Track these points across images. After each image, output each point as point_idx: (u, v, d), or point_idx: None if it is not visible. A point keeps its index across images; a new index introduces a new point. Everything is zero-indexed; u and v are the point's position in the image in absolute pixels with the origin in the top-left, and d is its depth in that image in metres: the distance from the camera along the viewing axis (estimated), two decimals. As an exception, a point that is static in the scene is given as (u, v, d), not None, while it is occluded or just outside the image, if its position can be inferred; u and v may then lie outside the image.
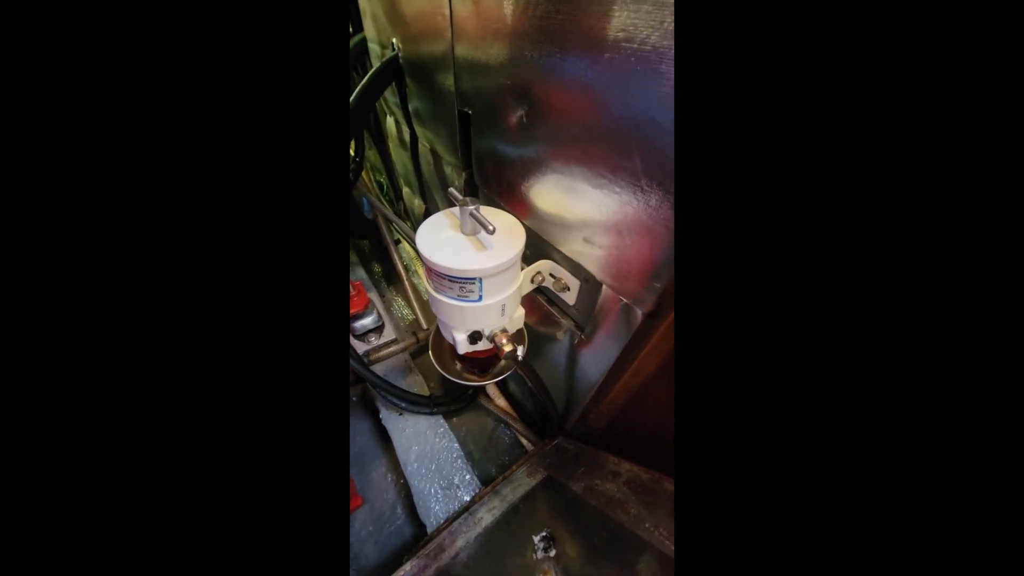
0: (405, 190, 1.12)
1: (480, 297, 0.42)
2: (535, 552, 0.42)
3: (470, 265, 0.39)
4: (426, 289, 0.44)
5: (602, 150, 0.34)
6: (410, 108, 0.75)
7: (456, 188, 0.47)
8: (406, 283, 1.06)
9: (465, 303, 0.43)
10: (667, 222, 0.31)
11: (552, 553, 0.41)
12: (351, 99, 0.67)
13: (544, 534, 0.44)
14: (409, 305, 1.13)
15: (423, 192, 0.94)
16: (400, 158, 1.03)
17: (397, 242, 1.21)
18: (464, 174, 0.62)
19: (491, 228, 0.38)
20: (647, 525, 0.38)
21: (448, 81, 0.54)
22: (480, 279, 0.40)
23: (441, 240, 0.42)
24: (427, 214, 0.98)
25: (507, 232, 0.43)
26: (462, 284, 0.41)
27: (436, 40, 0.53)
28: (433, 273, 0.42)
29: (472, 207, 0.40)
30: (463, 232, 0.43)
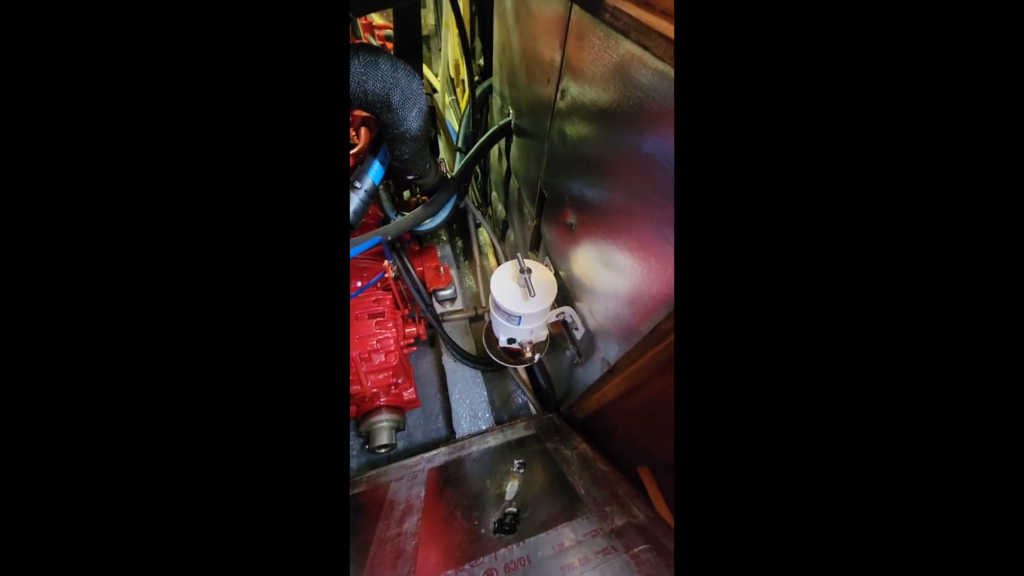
0: (493, 194, 1.38)
1: (519, 323, 0.70)
2: (512, 467, 0.75)
3: (515, 309, 0.66)
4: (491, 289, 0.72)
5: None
6: (511, 155, 0.99)
7: (526, 230, 0.72)
8: (477, 263, 1.37)
9: (509, 324, 0.71)
10: (642, 313, 0.54)
11: (521, 472, 0.73)
12: (471, 150, 0.93)
13: (521, 461, 0.76)
14: (475, 280, 1.46)
15: (506, 204, 1.20)
16: (496, 171, 1.28)
17: (478, 226, 1.51)
18: (533, 223, 0.87)
19: (533, 294, 0.64)
20: (578, 479, 0.68)
21: (538, 168, 0.77)
22: (521, 316, 0.68)
23: (504, 283, 0.69)
24: (505, 224, 1.25)
25: (545, 287, 0.68)
26: (509, 315, 0.69)
27: (539, 120, 0.75)
28: (494, 302, 0.70)
29: (526, 275, 0.66)
30: (517, 283, 0.70)
